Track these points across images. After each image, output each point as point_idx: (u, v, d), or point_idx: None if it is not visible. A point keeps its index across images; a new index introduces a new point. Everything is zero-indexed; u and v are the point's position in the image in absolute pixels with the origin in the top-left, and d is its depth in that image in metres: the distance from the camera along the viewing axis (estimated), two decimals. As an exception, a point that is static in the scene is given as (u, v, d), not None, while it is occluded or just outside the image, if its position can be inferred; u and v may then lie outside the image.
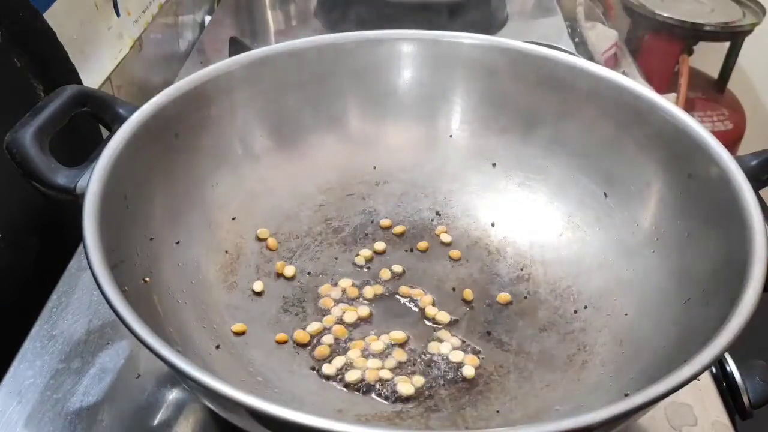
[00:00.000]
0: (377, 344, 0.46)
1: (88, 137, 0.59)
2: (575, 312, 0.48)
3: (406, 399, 0.43)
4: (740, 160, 0.43)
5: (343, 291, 0.50)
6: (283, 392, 0.42)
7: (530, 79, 0.54)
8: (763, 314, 0.36)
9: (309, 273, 0.51)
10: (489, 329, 0.48)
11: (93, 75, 0.67)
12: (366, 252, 0.53)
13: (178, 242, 0.47)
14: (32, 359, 0.47)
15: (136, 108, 0.45)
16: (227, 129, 0.52)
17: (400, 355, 0.45)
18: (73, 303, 0.51)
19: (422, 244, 0.54)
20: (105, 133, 0.45)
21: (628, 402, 0.31)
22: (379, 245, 0.53)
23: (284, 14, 1.01)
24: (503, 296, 0.50)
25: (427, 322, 0.48)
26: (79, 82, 0.61)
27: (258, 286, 0.49)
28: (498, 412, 0.42)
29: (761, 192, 0.43)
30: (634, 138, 0.50)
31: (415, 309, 0.49)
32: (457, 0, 0.88)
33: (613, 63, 1.09)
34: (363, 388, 0.44)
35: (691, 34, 1.30)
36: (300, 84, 0.55)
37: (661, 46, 1.33)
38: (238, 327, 0.46)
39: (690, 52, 1.32)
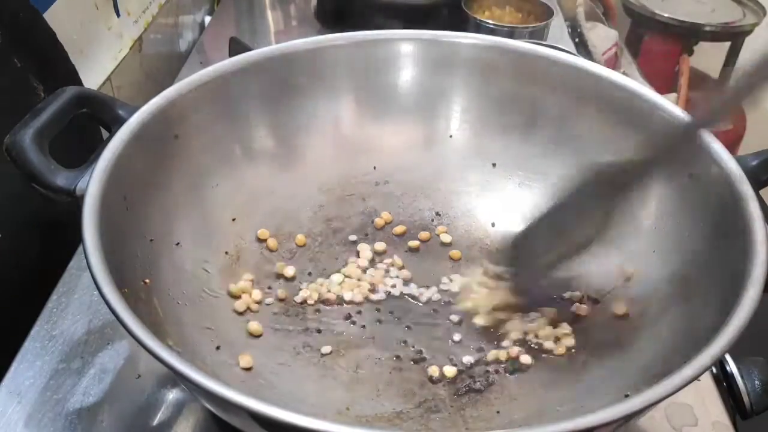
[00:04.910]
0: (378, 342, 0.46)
1: (87, 139, 0.59)
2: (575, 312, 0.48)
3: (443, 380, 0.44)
4: (740, 160, 0.43)
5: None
6: (284, 393, 0.42)
7: (530, 79, 0.54)
8: (763, 314, 0.36)
9: (309, 273, 0.51)
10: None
11: (93, 75, 0.67)
12: (366, 252, 0.53)
13: (178, 243, 0.47)
14: (32, 359, 0.47)
15: (136, 109, 0.45)
16: (227, 130, 0.52)
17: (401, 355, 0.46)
18: (73, 303, 0.51)
19: (423, 234, 0.54)
20: (105, 134, 0.45)
21: (629, 403, 0.31)
22: (379, 245, 0.53)
23: (284, 14, 1.01)
24: (503, 296, 0.50)
25: (427, 321, 0.48)
26: (79, 82, 0.61)
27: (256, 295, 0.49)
28: (498, 412, 0.42)
29: (761, 192, 0.43)
30: (634, 138, 0.50)
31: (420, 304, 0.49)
32: (458, 1, 0.88)
33: (613, 63, 1.09)
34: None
35: (691, 34, 1.30)
36: (299, 84, 0.55)
37: (661, 46, 1.33)
38: (245, 361, 0.44)
39: (690, 52, 1.32)
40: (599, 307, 0.48)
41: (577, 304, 0.48)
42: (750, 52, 1.35)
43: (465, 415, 0.42)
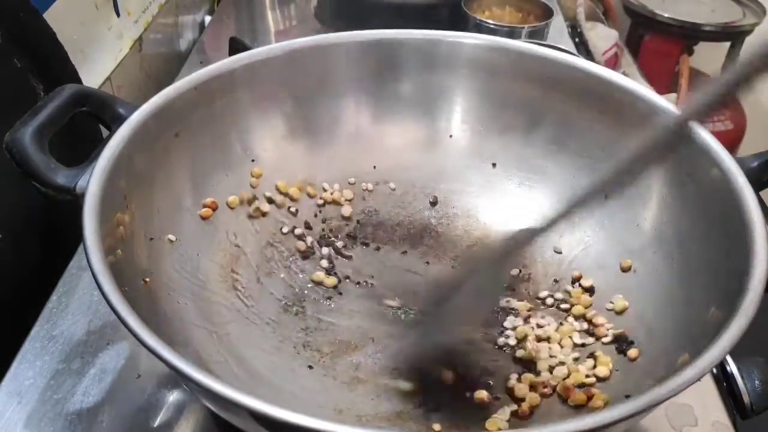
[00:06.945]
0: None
1: (87, 137, 0.59)
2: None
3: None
4: (741, 161, 0.43)
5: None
6: (284, 392, 0.42)
7: (530, 79, 0.54)
8: (763, 314, 0.36)
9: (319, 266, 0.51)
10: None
11: (93, 75, 0.67)
12: (366, 252, 0.53)
13: (178, 242, 0.47)
14: (32, 360, 0.47)
15: (136, 108, 0.45)
16: (227, 129, 0.52)
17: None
18: (73, 303, 0.51)
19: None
20: (105, 132, 0.45)
21: (630, 404, 0.31)
22: (379, 245, 0.53)
23: (284, 14, 1.01)
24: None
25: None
26: (79, 82, 0.61)
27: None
28: (498, 412, 0.42)
29: (761, 193, 0.42)
30: (634, 138, 0.50)
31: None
32: (458, 1, 0.88)
33: (613, 63, 1.09)
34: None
35: (691, 34, 1.30)
36: (300, 84, 0.55)
37: (661, 46, 1.33)
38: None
39: (690, 52, 1.32)
40: (597, 309, 0.48)
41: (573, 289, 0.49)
42: (750, 52, 1.35)
43: (465, 415, 0.42)
